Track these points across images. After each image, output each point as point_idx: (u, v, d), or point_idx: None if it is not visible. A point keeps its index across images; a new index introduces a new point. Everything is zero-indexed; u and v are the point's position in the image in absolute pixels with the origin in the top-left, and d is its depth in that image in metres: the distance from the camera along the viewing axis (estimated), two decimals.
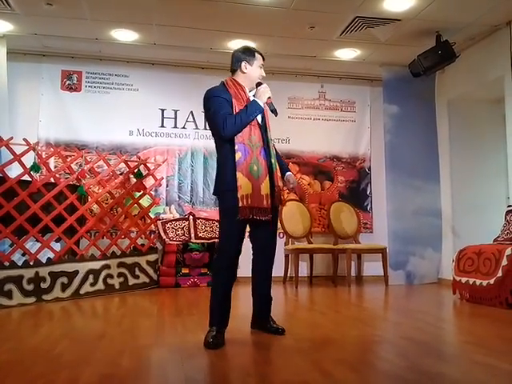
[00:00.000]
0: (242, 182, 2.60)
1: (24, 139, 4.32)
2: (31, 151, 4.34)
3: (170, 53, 5.58)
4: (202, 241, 5.32)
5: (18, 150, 4.21)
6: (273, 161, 2.76)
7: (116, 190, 5.10)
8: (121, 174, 5.17)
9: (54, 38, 5.21)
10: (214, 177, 2.81)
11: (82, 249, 4.61)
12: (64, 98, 5.66)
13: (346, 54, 5.61)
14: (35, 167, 4.26)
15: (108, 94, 5.78)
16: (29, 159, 4.31)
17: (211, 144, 6.03)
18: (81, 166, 4.92)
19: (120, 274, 4.72)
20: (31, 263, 4.05)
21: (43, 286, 4.05)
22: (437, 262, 5.71)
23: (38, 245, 4.31)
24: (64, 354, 2.33)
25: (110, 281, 4.62)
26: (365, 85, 6.39)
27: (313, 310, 4.07)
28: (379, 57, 5.64)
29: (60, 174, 4.86)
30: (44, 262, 4.15)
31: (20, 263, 4.03)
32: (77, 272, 4.34)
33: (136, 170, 5.13)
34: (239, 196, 2.59)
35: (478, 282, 4.05)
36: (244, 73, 2.85)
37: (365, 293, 5.08)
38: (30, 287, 3.95)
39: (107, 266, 4.62)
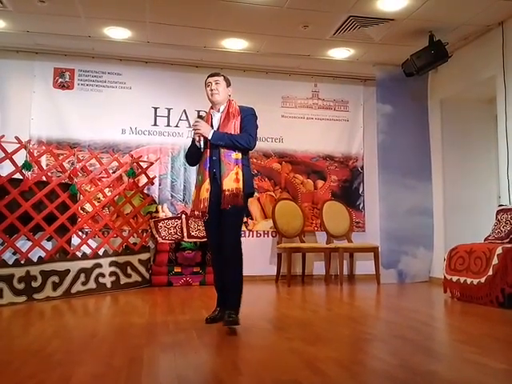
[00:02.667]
0: (193, 190, 3.27)
1: (16, 137, 4.29)
2: (23, 149, 4.30)
3: (164, 51, 5.56)
4: (195, 240, 5.31)
5: (10, 147, 4.18)
6: (221, 169, 3.01)
7: (108, 189, 5.08)
8: (113, 173, 5.14)
9: (46, 35, 5.17)
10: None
11: (74, 248, 4.58)
12: (56, 96, 5.62)
13: (340, 53, 5.62)
14: (27, 165, 4.22)
15: (101, 92, 5.75)
16: (20, 157, 4.27)
17: None
18: (73, 164, 4.89)
19: (112, 273, 4.71)
20: (22, 262, 4.02)
21: (34, 284, 4.03)
22: (428, 261, 5.74)
23: (29, 243, 4.28)
24: (55, 354, 2.32)
25: (101, 280, 4.60)
26: (358, 84, 6.41)
27: (305, 308, 4.08)
28: (372, 56, 5.66)
29: (52, 173, 4.83)
30: (35, 260, 4.12)
31: (11, 262, 4.00)
32: (68, 271, 4.32)
33: (128, 169, 5.11)
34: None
35: (468, 280, 4.08)
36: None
37: (357, 291, 5.10)
38: (21, 286, 3.93)
39: (99, 265, 4.60)
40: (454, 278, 4.26)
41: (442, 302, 4.26)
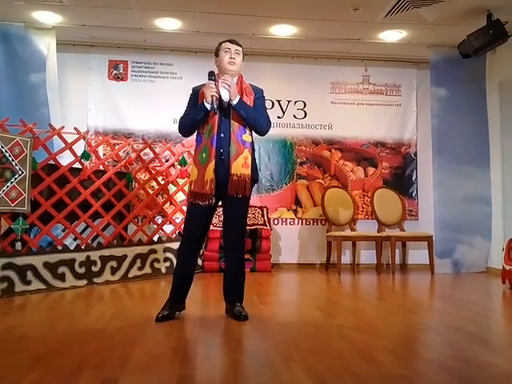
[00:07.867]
0: (192, 170, 2.80)
1: (74, 128, 4.47)
2: (81, 140, 4.49)
3: (213, 40, 5.45)
4: None
5: (69, 138, 4.37)
6: (231, 148, 2.72)
7: (161, 177, 5.22)
8: (166, 162, 5.27)
9: (101, 28, 5.35)
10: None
11: (130, 234, 4.76)
12: (111, 88, 5.82)
13: (392, 35, 5.45)
14: (85, 155, 4.40)
15: (153, 82, 5.89)
16: (79, 147, 4.46)
17: None
18: (128, 153, 5.06)
19: (166, 259, 4.85)
20: (83, 247, 4.23)
21: (94, 269, 4.22)
22: (486, 251, 5.53)
23: (89, 230, 4.49)
24: (115, 334, 2.44)
25: (156, 265, 4.76)
26: (411, 67, 6.21)
27: (356, 297, 4.05)
28: (426, 38, 5.45)
29: (108, 162, 5.01)
30: (94, 246, 4.32)
31: (72, 247, 4.22)
32: (125, 256, 4.50)
33: (180, 158, 5.22)
34: (189, 182, 2.81)
35: None
36: (217, 66, 2.95)
37: (409, 281, 5.00)
38: (82, 270, 4.13)
39: (154, 251, 4.76)
40: None
41: (500, 293, 4.10)
